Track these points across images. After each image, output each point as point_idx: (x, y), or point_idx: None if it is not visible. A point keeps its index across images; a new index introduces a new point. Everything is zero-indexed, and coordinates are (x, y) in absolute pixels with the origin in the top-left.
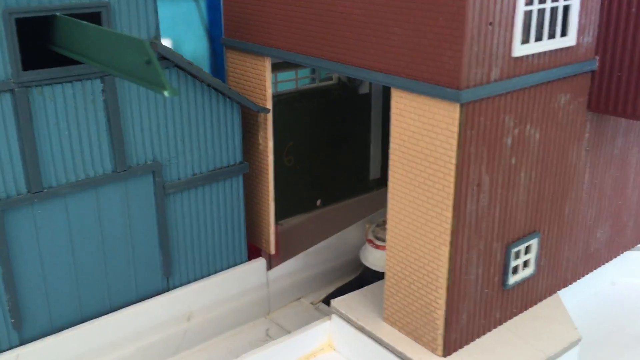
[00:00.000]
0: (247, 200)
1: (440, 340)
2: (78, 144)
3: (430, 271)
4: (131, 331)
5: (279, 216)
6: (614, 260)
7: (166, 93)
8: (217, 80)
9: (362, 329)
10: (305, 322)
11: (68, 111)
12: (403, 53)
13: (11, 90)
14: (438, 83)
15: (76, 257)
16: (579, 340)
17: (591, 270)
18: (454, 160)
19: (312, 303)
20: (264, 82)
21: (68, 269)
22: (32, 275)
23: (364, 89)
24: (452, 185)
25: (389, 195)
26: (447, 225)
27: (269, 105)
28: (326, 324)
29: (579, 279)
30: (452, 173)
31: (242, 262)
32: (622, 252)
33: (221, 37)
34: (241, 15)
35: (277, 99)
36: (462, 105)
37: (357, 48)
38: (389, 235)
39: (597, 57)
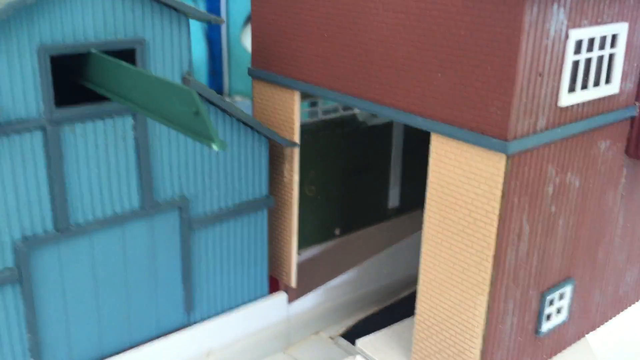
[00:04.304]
0: (269, 232)
1: None
2: (107, 181)
3: (466, 319)
4: None
5: (302, 244)
6: None
7: (215, 147)
8: (247, 114)
9: None
10: (324, 357)
11: (98, 148)
12: (447, 99)
13: (43, 128)
14: (484, 132)
15: (99, 293)
16: None
17: (619, 313)
18: (497, 211)
19: (331, 337)
20: (293, 115)
21: (90, 306)
22: (54, 313)
23: (373, 121)
24: (493, 235)
25: (424, 239)
26: (486, 275)
27: (297, 139)
28: None
29: (607, 321)
30: (495, 223)
31: (263, 296)
32: None
33: (248, 68)
34: (272, 46)
35: (302, 128)
36: (508, 157)
37: (397, 90)
38: (421, 280)
39: (638, 104)
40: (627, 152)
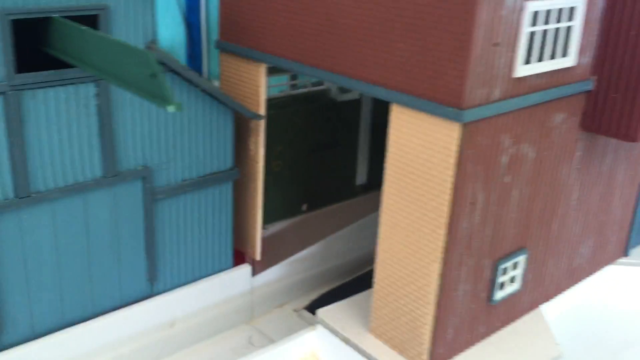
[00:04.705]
0: (234, 205)
1: (426, 355)
2: (68, 149)
3: (420, 287)
4: (114, 337)
5: (264, 220)
6: (598, 274)
7: (170, 108)
8: (212, 85)
9: (347, 341)
10: (288, 329)
11: (60, 115)
12: (406, 69)
13: (3, 93)
14: (440, 101)
15: (61, 262)
16: (559, 356)
17: (573, 285)
18: (450, 179)
19: (294, 310)
20: (259, 88)
21: (52, 274)
22: (15, 280)
23: (342, 97)
24: (447, 203)
25: (382, 209)
26: (440, 243)
27: (262, 111)
28: (311, 333)
29: (561, 293)
30: (448, 191)
31: (227, 268)
32: (604, 267)
33: (215, 40)
34: (239, 19)
35: (268, 103)
36: (462, 125)
37: (359, 61)
38: (379, 249)
39: (594, 78)
40: (582, 125)
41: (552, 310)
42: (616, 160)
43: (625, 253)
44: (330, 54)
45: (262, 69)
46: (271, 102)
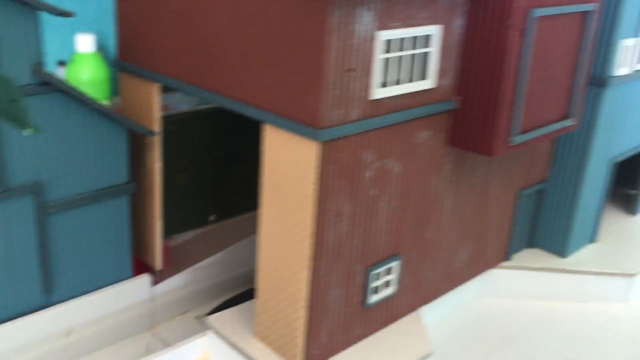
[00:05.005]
0: (136, 217)
1: (300, 356)
2: None
3: (293, 292)
4: (6, 347)
5: (171, 231)
6: (479, 277)
7: (26, 132)
8: (101, 104)
9: (233, 344)
10: (187, 335)
11: None
12: (274, 92)
13: None
14: (302, 122)
15: None
16: (430, 354)
17: (453, 288)
18: (313, 193)
19: (196, 317)
20: (152, 105)
21: None
22: None
23: None
24: (311, 215)
25: (260, 220)
26: (308, 251)
27: (156, 128)
28: (202, 339)
29: (440, 296)
30: (311, 205)
31: (126, 278)
32: (484, 271)
33: (112, 60)
34: (133, 39)
35: (171, 118)
36: (321, 143)
37: (235, 82)
38: (260, 257)
39: (458, 98)
40: (449, 141)
41: (437, 312)
42: (489, 173)
43: (507, 257)
44: (210, 75)
45: (155, 88)
46: (177, 118)
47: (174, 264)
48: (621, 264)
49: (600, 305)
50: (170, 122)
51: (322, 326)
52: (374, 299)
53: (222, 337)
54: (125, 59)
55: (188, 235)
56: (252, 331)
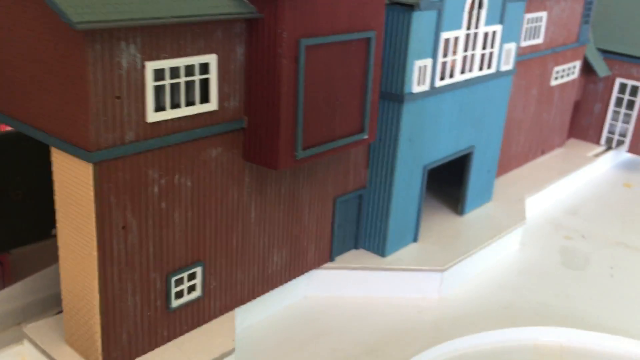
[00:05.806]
0: None
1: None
2: None
3: (89, 301)
4: None
5: (10, 245)
6: (305, 277)
7: None
8: None
9: (44, 352)
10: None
11: None
12: (56, 117)
13: None
14: (77, 145)
15: None
16: (232, 350)
17: (271, 289)
18: (94, 209)
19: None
20: None
21: None
22: None
23: None
24: (94, 229)
25: (59, 233)
26: (96, 262)
27: None
28: (18, 348)
29: (256, 297)
30: (93, 220)
31: None
32: (305, 272)
33: None
34: None
35: (2, 138)
36: (95, 164)
37: (27, 107)
38: (61, 268)
39: (245, 118)
40: (244, 156)
41: (256, 311)
42: (296, 183)
43: (330, 259)
44: (7, 101)
45: None
46: (5, 137)
47: (15, 276)
48: (434, 260)
49: (414, 299)
50: (4, 141)
51: (121, 330)
52: (177, 303)
53: (35, 345)
54: None
55: (28, 249)
56: (64, 338)
